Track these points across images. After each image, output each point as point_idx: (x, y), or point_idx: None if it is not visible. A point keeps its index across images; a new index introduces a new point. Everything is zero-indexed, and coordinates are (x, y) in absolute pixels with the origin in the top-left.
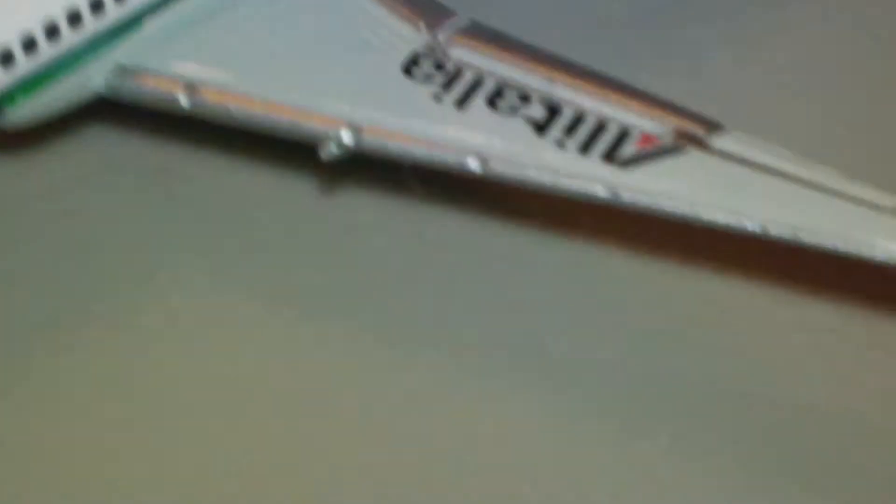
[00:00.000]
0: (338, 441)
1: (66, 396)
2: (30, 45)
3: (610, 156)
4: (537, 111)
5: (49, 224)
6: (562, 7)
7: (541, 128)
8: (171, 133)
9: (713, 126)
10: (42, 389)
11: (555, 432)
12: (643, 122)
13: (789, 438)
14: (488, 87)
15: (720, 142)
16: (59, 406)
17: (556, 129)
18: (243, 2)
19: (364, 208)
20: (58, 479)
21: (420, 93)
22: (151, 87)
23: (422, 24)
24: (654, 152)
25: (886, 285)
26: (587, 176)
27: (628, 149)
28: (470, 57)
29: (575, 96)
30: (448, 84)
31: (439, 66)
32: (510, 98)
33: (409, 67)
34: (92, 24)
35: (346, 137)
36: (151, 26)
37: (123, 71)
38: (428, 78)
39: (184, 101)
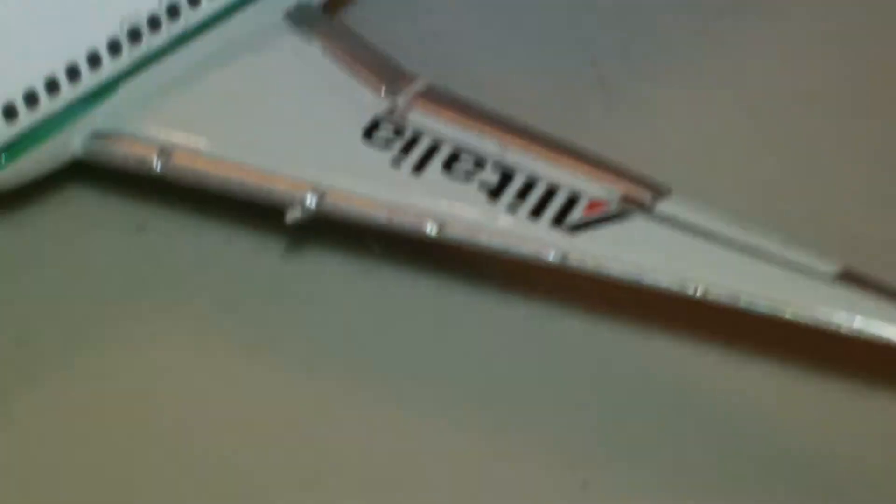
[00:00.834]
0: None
1: (46, 451)
2: (10, 112)
3: (559, 221)
4: (491, 176)
5: (27, 280)
6: (518, 64)
7: (494, 193)
8: (149, 191)
9: (659, 190)
10: (21, 443)
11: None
12: (591, 188)
13: None
14: (444, 152)
15: (666, 206)
16: (38, 459)
17: (509, 195)
18: (212, 68)
19: (330, 266)
20: None
21: (379, 158)
22: (126, 151)
23: (383, 89)
24: (601, 218)
25: (831, 344)
26: (537, 240)
27: (576, 214)
28: (428, 121)
29: (527, 161)
30: (406, 149)
31: (398, 132)
32: (465, 163)
33: (370, 132)
34: (69, 92)
35: (310, 201)
36: (126, 91)
37: (99, 135)
38: (387, 143)
39: (157, 164)
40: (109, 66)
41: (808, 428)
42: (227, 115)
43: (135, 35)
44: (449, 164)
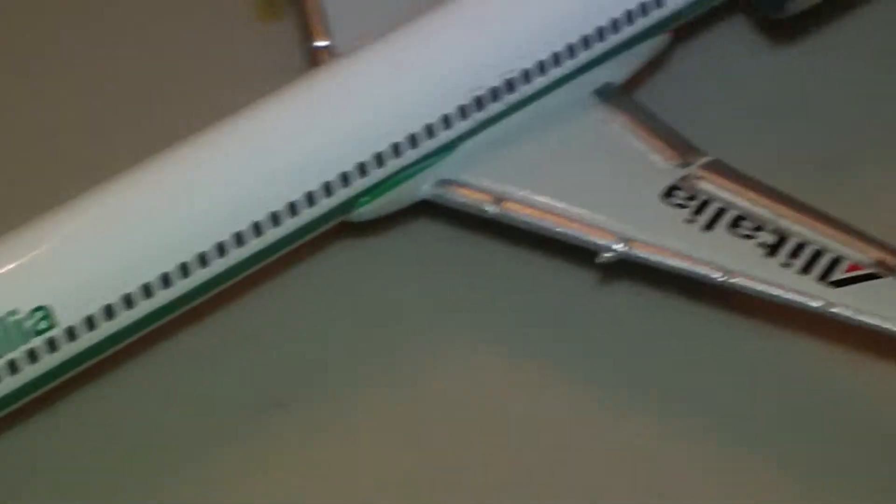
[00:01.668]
0: None
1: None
2: (380, 161)
3: (824, 277)
4: (768, 238)
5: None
6: (785, 150)
7: (771, 252)
8: (482, 230)
9: None
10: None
11: None
12: (851, 253)
13: None
14: (729, 215)
15: None
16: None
17: (783, 254)
18: (533, 132)
19: (634, 302)
20: None
21: (674, 216)
22: (465, 197)
23: (676, 160)
24: (860, 277)
25: None
26: (806, 291)
27: (838, 273)
28: (714, 189)
29: (797, 227)
30: (697, 211)
31: (690, 197)
32: (746, 226)
33: (667, 195)
34: (425, 146)
35: (619, 248)
36: (465, 147)
37: (444, 183)
38: (681, 206)
39: (490, 209)
40: (456, 128)
41: None
42: (546, 172)
43: (478, 104)
44: (733, 226)
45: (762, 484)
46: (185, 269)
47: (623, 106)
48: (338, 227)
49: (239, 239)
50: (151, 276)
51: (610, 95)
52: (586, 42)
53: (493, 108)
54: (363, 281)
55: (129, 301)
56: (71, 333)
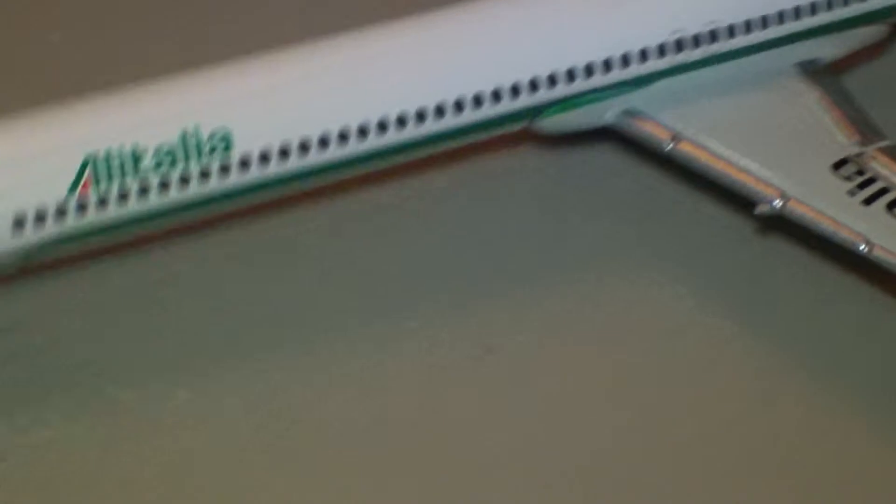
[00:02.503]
0: None
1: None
2: (571, 76)
3: None
4: None
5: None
6: None
7: None
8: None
9: None
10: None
11: None
12: None
13: None
14: (890, 196)
15: None
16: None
17: None
18: (727, 87)
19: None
20: None
21: (838, 186)
22: (646, 131)
23: (855, 138)
24: None
25: None
26: None
27: None
28: (883, 170)
29: None
30: (861, 186)
31: (859, 172)
32: None
33: (838, 166)
34: (619, 74)
35: (777, 204)
36: (660, 85)
37: (629, 112)
38: (848, 178)
39: (666, 146)
40: (655, 63)
41: None
42: (729, 124)
43: (678, 46)
44: (891, 206)
45: None
46: (362, 131)
47: (821, 82)
48: (521, 135)
49: (420, 116)
50: (329, 129)
51: (812, 70)
52: (797, 13)
53: (693, 54)
54: (538, 197)
55: (304, 147)
56: (244, 163)
